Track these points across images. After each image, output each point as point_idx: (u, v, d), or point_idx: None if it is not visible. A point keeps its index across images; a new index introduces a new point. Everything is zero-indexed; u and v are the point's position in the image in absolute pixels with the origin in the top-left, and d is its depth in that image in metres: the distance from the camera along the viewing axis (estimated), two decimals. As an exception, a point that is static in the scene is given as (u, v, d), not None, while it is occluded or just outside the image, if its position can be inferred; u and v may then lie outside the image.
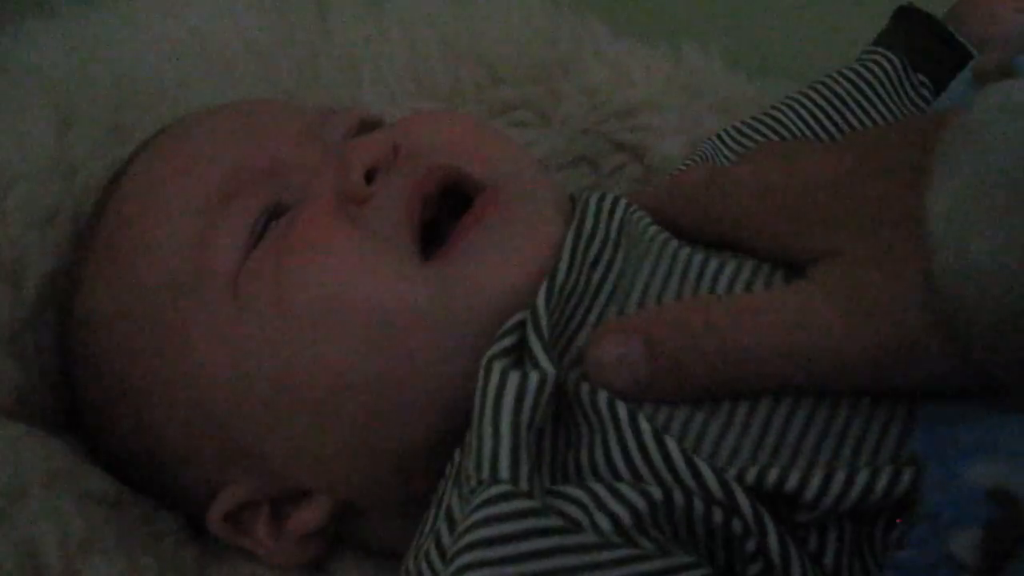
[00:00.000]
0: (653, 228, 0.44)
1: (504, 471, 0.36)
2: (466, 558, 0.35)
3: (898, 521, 0.36)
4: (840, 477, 0.36)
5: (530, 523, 0.35)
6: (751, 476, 0.37)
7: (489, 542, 0.35)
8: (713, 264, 0.42)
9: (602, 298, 0.43)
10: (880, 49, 0.58)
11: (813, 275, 0.38)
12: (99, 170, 0.54)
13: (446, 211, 0.46)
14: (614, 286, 0.43)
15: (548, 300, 0.41)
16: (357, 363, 0.42)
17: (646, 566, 0.35)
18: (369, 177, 0.45)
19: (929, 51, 0.57)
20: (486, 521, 0.35)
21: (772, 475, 0.37)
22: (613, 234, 0.45)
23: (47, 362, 0.52)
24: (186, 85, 0.60)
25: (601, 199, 0.46)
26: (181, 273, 0.45)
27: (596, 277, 0.43)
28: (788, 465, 0.37)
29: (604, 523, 0.36)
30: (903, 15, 0.59)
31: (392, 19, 0.67)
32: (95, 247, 0.49)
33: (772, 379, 0.38)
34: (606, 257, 0.44)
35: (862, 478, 0.36)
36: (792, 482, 0.36)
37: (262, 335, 0.43)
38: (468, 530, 0.35)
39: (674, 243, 0.43)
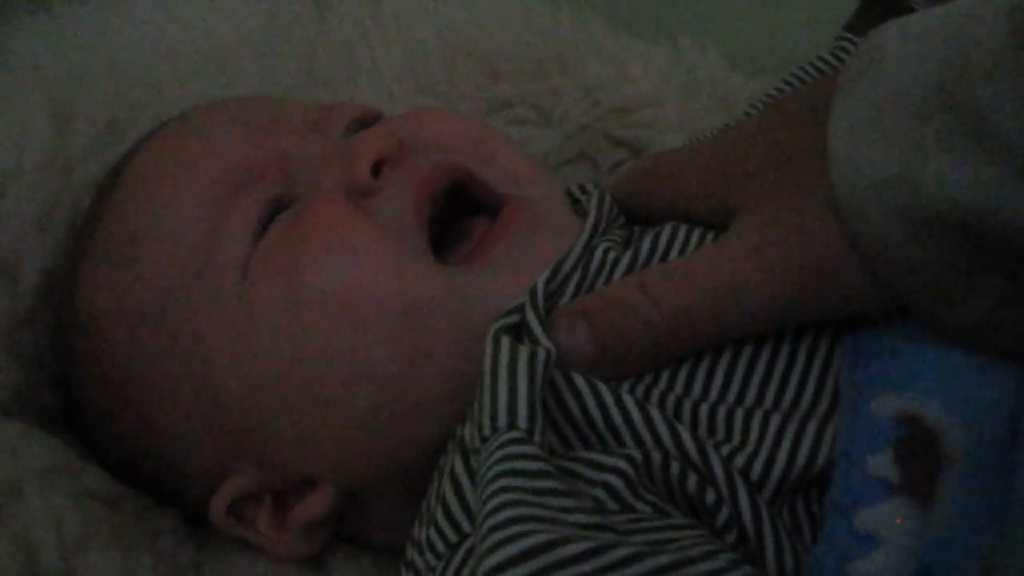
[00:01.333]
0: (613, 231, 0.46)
1: (523, 420, 0.37)
2: (496, 484, 0.35)
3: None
4: (782, 456, 0.38)
5: (541, 465, 0.36)
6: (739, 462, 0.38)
7: (515, 472, 0.35)
8: (612, 255, 0.44)
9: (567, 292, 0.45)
10: (848, 35, 0.58)
11: (734, 225, 0.41)
12: (96, 167, 0.54)
13: (447, 208, 0.47)
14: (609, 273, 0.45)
15: (548, 282, 0.42)
16: (374, 354, 0.42)
17: (650, 525, 0.36)
18: (375, 170, 0.45)
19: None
20: (509, 457, 0.36)
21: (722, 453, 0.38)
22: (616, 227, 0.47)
23: (44, 359, 0.52)
24: (183, 82, 0.60)
25: (603, 197, 0.48)
26: (188, 265, 0.45)
27: (592, 268, 0.45)
28: (740, 443, 0.39)
29: (599, 492, 0.37)
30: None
31: (390, 15, 0.67)
32: (95, 242, 0.49)
33: (710, 332, 0.40)
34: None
35: (805, 448, 0.38)
36: (738, 463, 0.38)
37: (272, 322, 0.43)
38: (492, 465, 0.35)
39: (602, 247, 0.45)
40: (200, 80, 0.60)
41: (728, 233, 0.41)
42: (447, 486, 0.39)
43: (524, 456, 0.36)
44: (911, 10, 0.56)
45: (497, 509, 0.34)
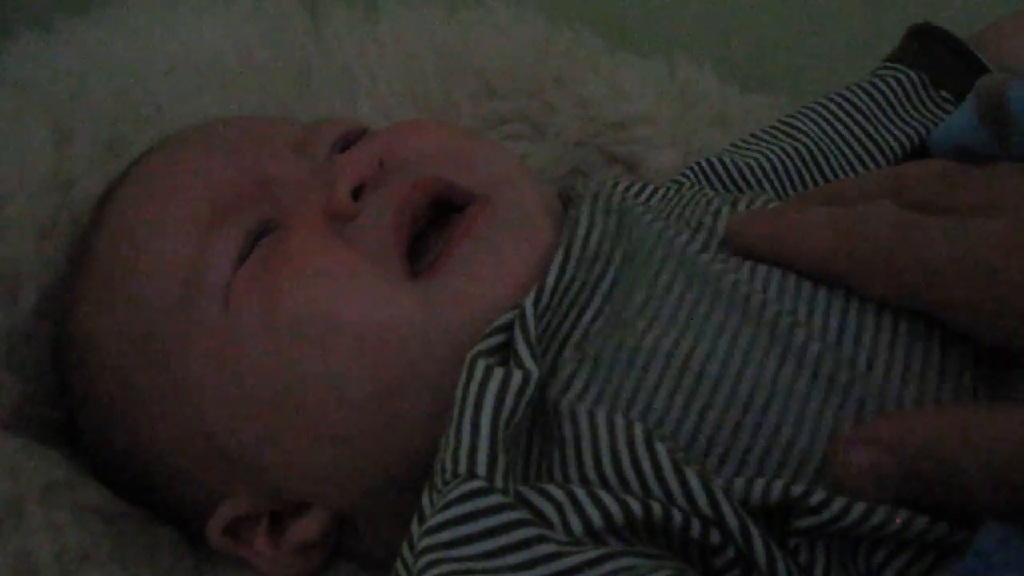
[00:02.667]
0: (657, 224, 0.44)
1: (481, 467, 0.36)
2: (430, 557, 0.35)
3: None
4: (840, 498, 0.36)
5: (507, 516, 0.35)
6: (757, 490, 0.37)
7: (462, 541, 0.35)
8: (739, 277, 0.41)
9: (598, 298, 0.43)
10: (896, 65, 0.57)
11: None
12: (96, 184, 0.54)
13: (434, 221, 0.46)
14: (611, 285, 0.43)
15: (537, 301, 0.41)
16: (349, 379, 0.42)
17: (615, 564, 0.35)
18: (357, 193, 0.45)
19: (948, 67, 0.56)
20: (465, 518, 0.35)
21: (777, 486, 0.36)
22: (612, 227, 0.45)
23: (44, 375, 0.52)
24: (183, 99, 0.60)
25: (596, 194, 0.46)
26: (174, 290, 0.45)
27: (593, 276, 0.44)
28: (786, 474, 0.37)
29: (575, 524, 0.36)
30: (920, 33, 0.58)
31: (387, 32, 0.68)
32: (90, 265, 0.49)
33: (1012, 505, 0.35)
34: (604, 253, 0.44)
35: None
36: (797, 489, 0.36)
37: (255, 351, 0.43)
38: (443, 526, 0.35)
39: (681, 239, 0.43)
40: (199, 97, 0.61)
41: None
42: (414, 519, 0.39)
43: (483, 513, 0.35)
44: (964, 46, 0.55)
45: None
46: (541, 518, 0.36)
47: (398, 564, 0.39)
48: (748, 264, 0.42)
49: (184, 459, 0.46)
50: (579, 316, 0.43)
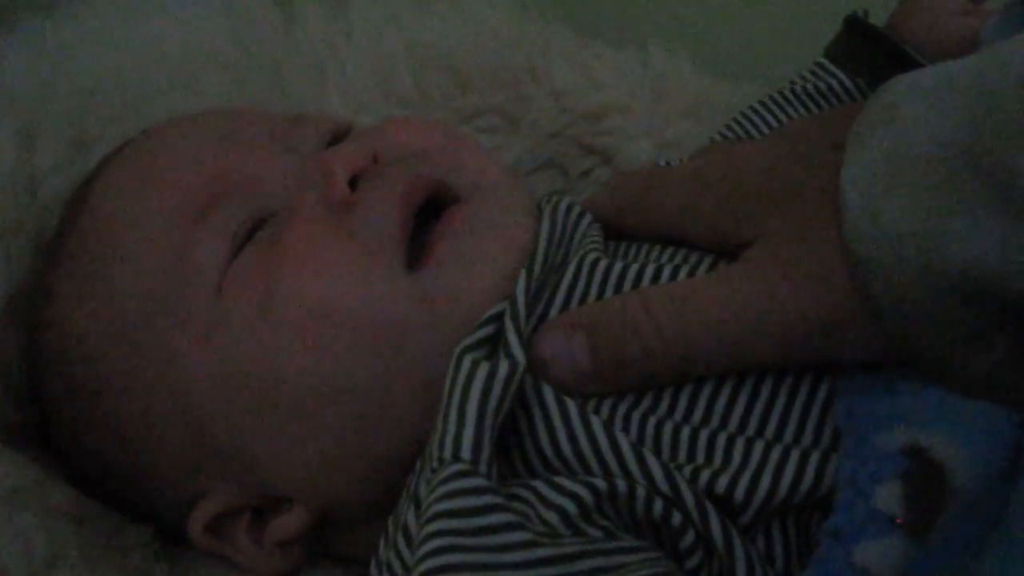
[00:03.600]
0: (591, 240, 0.46)
1: (466, 452, 0.37)
2: (432, 527, 0.36)
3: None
4: (766, 480, 0.38)
5: (488, 499, 0.36)
6: (703, 480, 0.38)
7: (451, 513, 0.36)
8: (633, 269, 0.43)
9: (557, 301, 0.44)
10: (834, 69, 0.58)
11: (744, 257, 0.40)
12: (62, 184, 0.54)
13: (422, 221, 0.47)
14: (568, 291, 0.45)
15: (527, 291, 0.42)
16: (347, 371, 0.43)
17: (598, 548, 0.36)
18: (351, 184, 0.46)
19: (886, 73, 0.57)
20: (449, 495, 0.36)
21: (703, 477, 0.38)
22: (568, 232, 0.47)
23: (11, 377, 0.51)
24: (150, 97, 0.59)
25: (557, 203, 0.48)
26: (161, 283, 0.45)
27: (557, 261, 0.45)
28: (721, 466, 0.38)
29: (551, 516, 0.37)
30: (854, 28, 0.58)
31: (358, 27, 0.67)
32: (65, 260, 0.49)
33: (708, 362, 0.39)
34: (563, 243, 0.46)
35: (788, 474, 0.38)
36: (721, 484, 0.38)
37: (248, 342, 0.44)
38: (431, 504, 0.36)
39: (592, 256, 0.45)
40: (168, 95, 0.60)
41: (738, 266, 0.40)
42: (409, 508, 0.39)
43: (465, 492, 0.36)
44: (895, 45, 0.56)
45: (430, 555, 0.35)
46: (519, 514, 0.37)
47: (389, 552, 0.39)
48: (653, 265, 0.44)
49: (167, 453, 0.46)
50: (551, 299, 0.44)
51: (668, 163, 0.54)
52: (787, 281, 0.38)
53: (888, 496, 0.35)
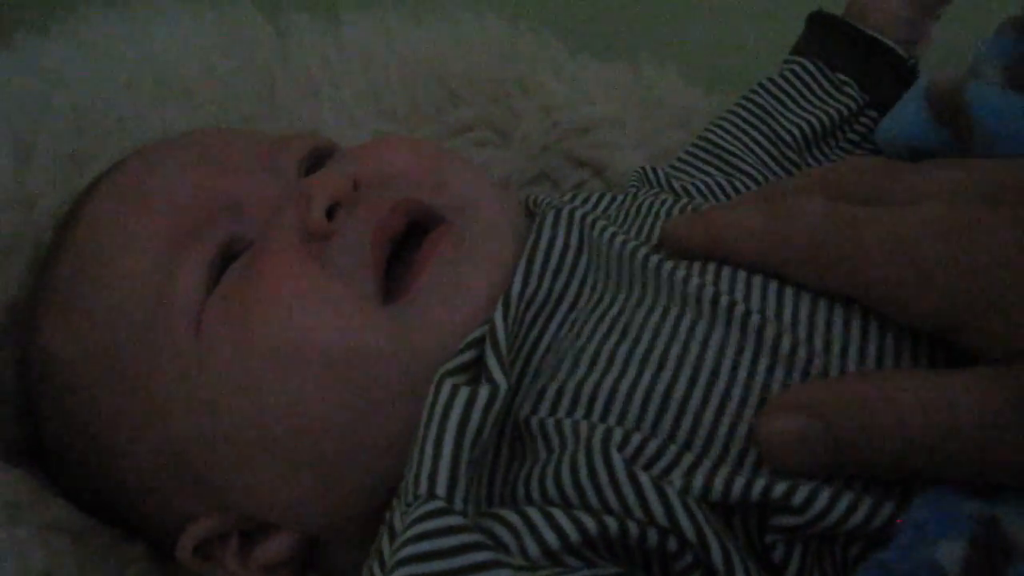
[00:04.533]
0: (619, 239, 0.44)
1: (441, 488, 0.36)
2: (401, 572, 0.35)
3: (898, 521, 0.36)
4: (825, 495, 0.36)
5: (463, 538, 0.35)
6: (737, 487, 0.37)
7: (421, 557, 0.35)
8: (690, 272, 0.41)
9: (564, 306, 0.44)
10: (795, 57, 0.60)
11: (997, 366, 0.35)
12: (58, 200, 0.54)
13: (403, 241, 0.46)
14: (576, 294, 0.44)
15: (505, 315, 0.41)
16: (320, 404, 0.42)
17: None
18: (330, 213, 0.45)
19: (841, 51, 0.58)
20: (420, 536, 0.35)
21: (738, 483, 0.37)
22: (574, 241, 0.46)
23: (7, 392, 0.52)
24: (145, 113, 0.60)
25: (559, 212, 0.47)
26: (140, 309, 0.45)
27: (558, 285, 0.44)
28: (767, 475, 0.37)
29: (532, 548, 0.36)
30: (815, 21, 0.60)
31: (350, 42, 0.68)
32: (54, 284, 0.49)
33: (950, 475, 0.35)
34: (568, 265, 0.45)
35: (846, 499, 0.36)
36: (778, 490, 0.36)
37: (225, 375, 0.43)
38: (403, 545, 0.35)
39: (643, 251, 0.43)
40: (162, 111, 0.60)
41: (990, 375, 0.35)
42: (384, 537, 0.39)
43: (438, 533, 0.35)
44: (850, 27, 0.58)
45: None
46: (498, 544, 0.36)
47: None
48: (696, 263, 0.42)
49: (152, 479, 0.46)
50: (546, 326, 0.44)
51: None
52: None
53: (950, 553, 0.33)
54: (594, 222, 0.46)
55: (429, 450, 0.37)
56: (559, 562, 0.36)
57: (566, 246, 0.46)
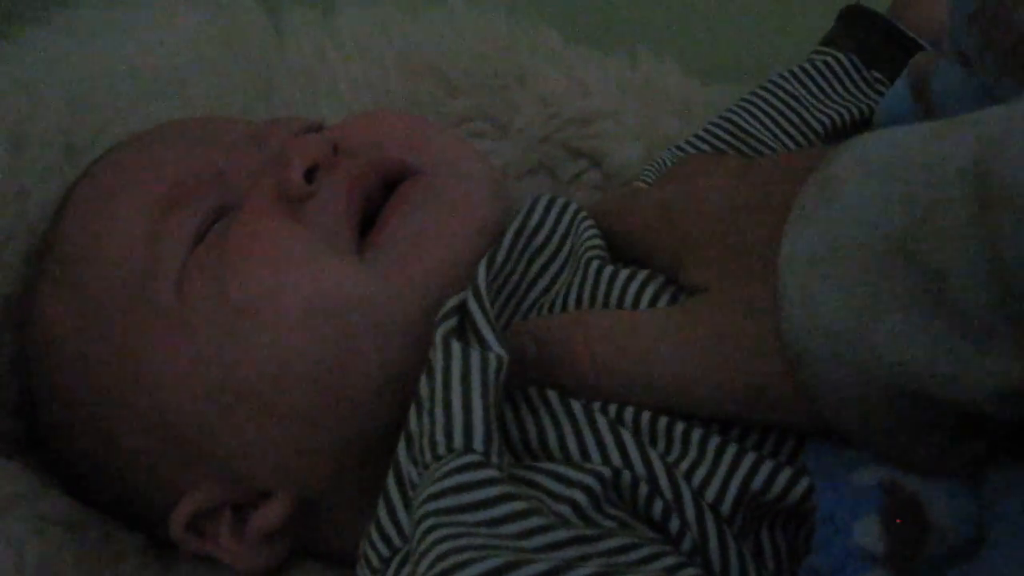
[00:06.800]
0: (590, 242, 0.45)
1: (478, 443, 0.37)
2: (443, 521, 0.35)
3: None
4: (736, 481, 0.38)
5: (502, 488, 0.35)
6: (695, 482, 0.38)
7: (464, 507, 0.35)
8: (623, 275, 0.43)
9: (538, 288, 0.45)
10: (828, 49, 0.59)
11: (687, 306, 0.40)
12: (52, 192, 0.54)
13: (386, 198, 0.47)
14: (553, 278, 0.45)
15: (488, 283, 0.42)
16: (298, 354, 0.43)
17: (610, 543, 0.35)
18: (310, 177, 0.46)
19: (880, 48, 0.58)
20: (459, 488, 0.35)
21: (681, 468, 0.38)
22: (562, 228, 0.46)
23: (5, 384, 0.52)
24: (140, 105, 0.59)
25: (552, 200, 0.47)
26: (129, 279, 0.46)
27: (536, 267, 0.45)
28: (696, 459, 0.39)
29: (564, 509, 0.36)
30: (850, 15, 0.59)
31: (347, 33, 0.68)
32: (48, 267, 0.49)
33: (641, 399, 0.39)
34: (551, 248, 0.46)
35: (761, 475, 0.37)
36: (711, 491, 0.38)
37: (207, 332, 0.44)
38: (439, 495, 0.35)
39: (596, 263, 0.44)
40: (157, 102, 0.60)
41: (680, 315, 0.39)
42: (394, 488, 0.39)
43: (480, 484, 0.36)
44: (892, 25, 0.57)
45: (440, 558, 0.34)
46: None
47: (365, 546, 0.39)
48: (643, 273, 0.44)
49: (145, 450, 0.47)
50: (518, 305, 0.45)
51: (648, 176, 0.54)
52: (722, 346, 0.37)
53: (867, 532, 0.34)
54: (584, 219, 0.47)
55: (457, 405, 0.37)
56: (593, 523, 0.36)
57: (554, 230, 0.46)
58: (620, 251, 0.45)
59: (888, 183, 0.33)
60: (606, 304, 0.43)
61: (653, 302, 0.42)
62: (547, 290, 0.45)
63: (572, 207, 0.47)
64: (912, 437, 0.35)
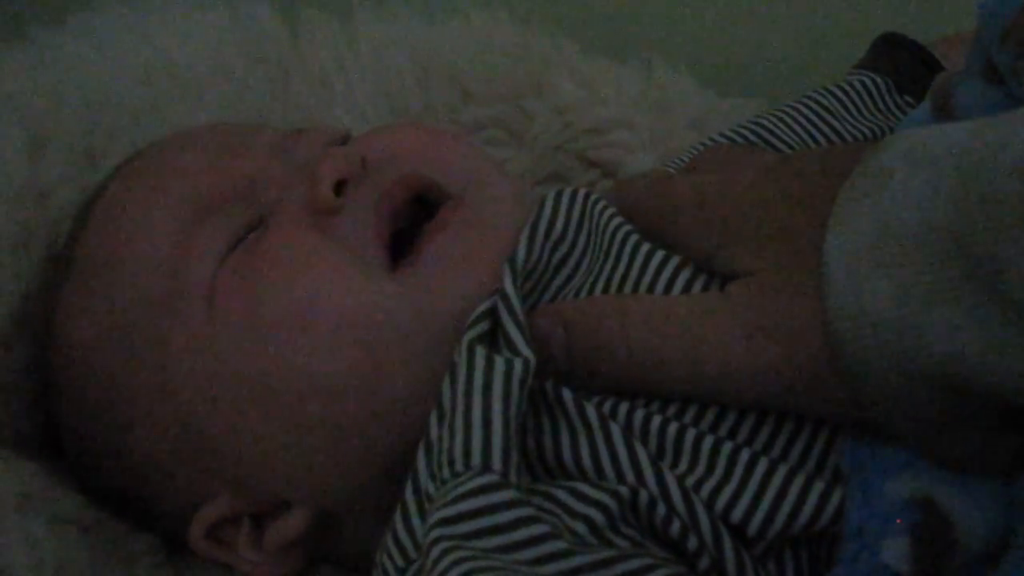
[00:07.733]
0: (615, 220, 0.45)
1: (497, 461, 0.36)
2: (461, 546, 0.35)
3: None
4: (765, 504, 0.37)
5: (519, 512, 0.35)
6: (719, 505, 0.38)
7: (481, 532, 0.35)
8: (657, 257, 0.43)
9: (559, 279, 0.45)
10: (863, 71, 0.59)
11: (728, 291, 0.39)
12: (72, 194, 0.54)
13: (415, 220, 0.47)
14: (574, 268, 0.45)
15: (515, 284, 0.42)
16: (328, 370, 0.43)
17: (626, 565, 0.35)
18: (339, 190, 0.46)
19: (915, 75, 0.58)
20: (476, 512, 0.35)
21: (705, 490, 0.38)
22: (576, 216, 0.46)
23: (21, 386, 0.52)
24: (158, 108, 0.60)
25: (560, 191, 0.47)
26: (156, 287, 0.46)
27: (556, 257, 0.45)
28: (722, 479, 0.38)
29: (579, 527, 0.36)
30: (887, 42, 0.59)
31: (363, 39, 0.68)
32: (72, 270, 0.49)
33: (676, 388, 0.39)
34: (569, 238, 0.46)
35: (787, 504, 0.37)
36: (738, 512, 0.37)
37: (237, 345, 0.44)
38: (459, 518, 0.35)
39: (634, 238, 0.44)
40: (175, 106, 0.61)
41: (720, 301, 0.39)
42: (411, 499, 0.39)
43: (496, 508, 0.35)
44: (929, 55, 0.57)
45: (456, 564, 0.34)
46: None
47: (382, 556, 0.39)
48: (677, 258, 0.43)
49: (166, 459, 0.47)
50: (540, 296, 0.45)
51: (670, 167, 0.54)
52: (762, 332, 0.37)
53: (896, 552, 0.34)
54: (596, 201, 0.47)
55: (477, 419, 0.37)
56: (608, 542, 0.36)
57: (568, 220, 0.46)
58: (644, 235, 0.45)
59: (938, 174, 0.33)
60: (637, 288, 0.42)
61: (687, 289, 0.42)
62: (570, 279, 0.45)
63: (582, 193, 0.47)
64: (952, 429, 0.35)
